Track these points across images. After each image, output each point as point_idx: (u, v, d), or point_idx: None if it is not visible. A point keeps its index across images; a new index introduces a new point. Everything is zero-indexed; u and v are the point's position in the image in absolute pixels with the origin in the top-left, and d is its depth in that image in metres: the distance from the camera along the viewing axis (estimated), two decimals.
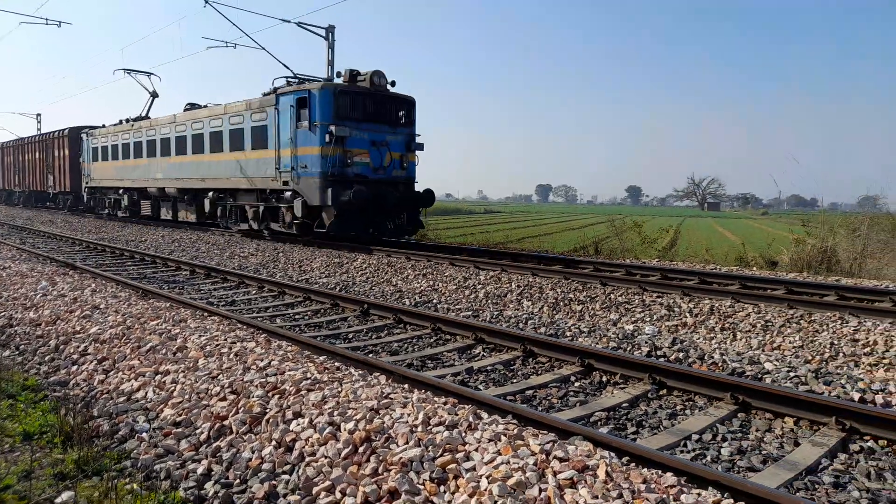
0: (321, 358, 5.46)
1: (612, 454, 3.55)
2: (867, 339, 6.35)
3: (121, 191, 25.61)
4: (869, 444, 4.20)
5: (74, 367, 5.49)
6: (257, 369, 4.87)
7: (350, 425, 3.73)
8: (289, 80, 16.75)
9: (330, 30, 23.34)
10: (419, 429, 3.68)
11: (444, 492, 3.13)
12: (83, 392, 4.96)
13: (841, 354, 6.07)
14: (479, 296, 9.42)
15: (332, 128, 14.66)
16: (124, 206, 25.54)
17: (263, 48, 19.85)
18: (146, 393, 4.72)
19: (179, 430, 4.08)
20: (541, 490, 3.03)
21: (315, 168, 14.93)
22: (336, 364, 5.23)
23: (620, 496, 2.98)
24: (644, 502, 2.92)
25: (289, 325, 7.61)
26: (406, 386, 4.73)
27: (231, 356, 5.28)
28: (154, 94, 25.75)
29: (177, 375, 4.92)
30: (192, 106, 21.35)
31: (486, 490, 3.05)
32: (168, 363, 5.21)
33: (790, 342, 6.51)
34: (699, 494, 3.06)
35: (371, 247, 14.69)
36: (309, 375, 4.67)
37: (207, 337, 5.91)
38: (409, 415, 3.89)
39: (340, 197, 14.59)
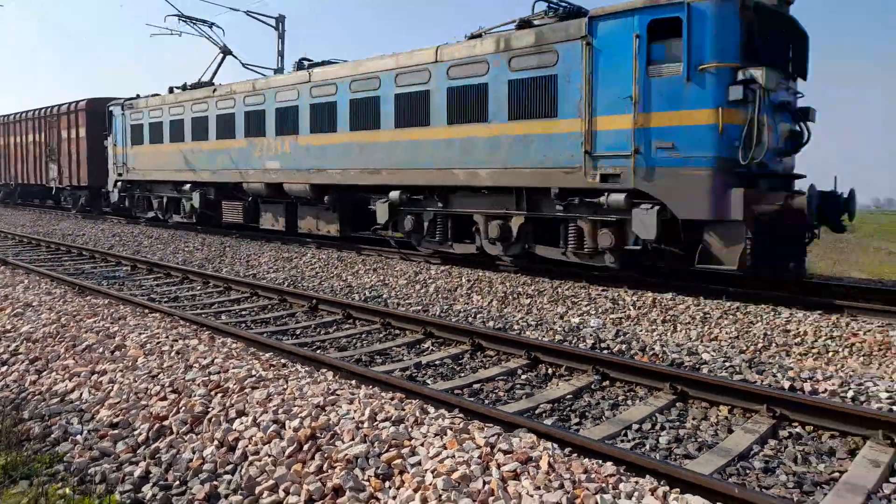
0: (267, 355, 5.38)
1: (555, 445, 3.63)
2: (798, 329, 6.67)
3: (187, 186, 17.33)
4: (797, 429, 4.42)
5: (4, 368, 5.25)
6: (200, 367, 4.76)
7: (295, 423, 3.70)
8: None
9: (280, 20, 22.90)
10: (365, 425, 3.67)
11: (389, 487, 3.14)
12: (13, 394, 4.75)
13: (773, 344, 6.35)
14: (430, 290, 9.44)
15: (755, 73, 7.80)
16: (189, 209, 17.47)
17: (209, 37, 19.32)
18: (81, 394, 4.56)
19: (116, 431, 3.96)
20: (485, 483, 3.08)
21: (702, 150, 8.04)
22: (282, 361, 5.16)
23: (562, 486, 3.05)
24: (584, 492, 3.00)
25: (234, 322, 7.46)
26: (353, 382, 4.71)
27: (173, 354, 5.15)
28: (226, 51, 18.30)
29: (114, 375, 4.76)
30: (304, 63, 14.10)
31: (430, 484, 3.08)
32: (105, 362, 5.04)
33: (727, 333, 6.77)
34: (637, 482, 3.16)
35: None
36: (254, 373, 4.59)
37: (148, 335, 5.74)
38: (355, 411, 3.88)
39: (761, 204, 7.91)
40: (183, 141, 17.04)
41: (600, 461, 3.47)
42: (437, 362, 5.97)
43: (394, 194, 11.68)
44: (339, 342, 6.66)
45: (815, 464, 3.94)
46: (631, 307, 8.01)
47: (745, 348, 6.30)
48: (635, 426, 4.45)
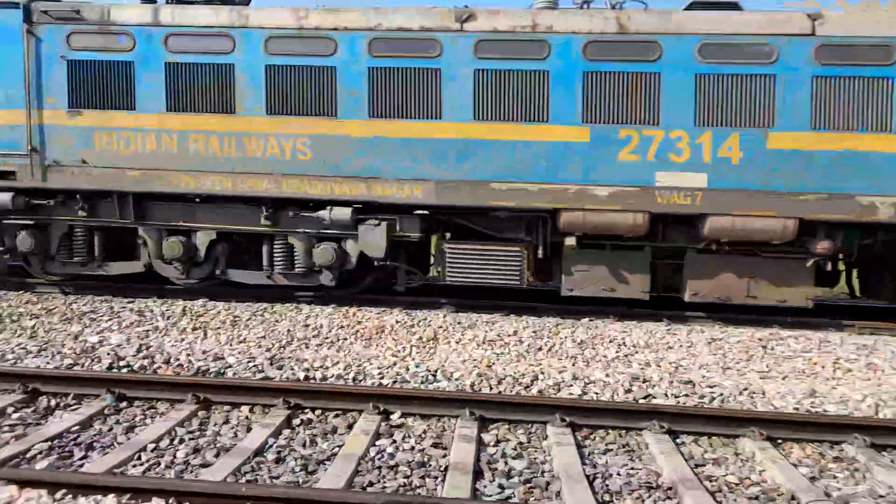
0: None
1: (45, 492, 3.12)
2: (315, 323, 7.42)
3: (333, 212, 8.24)
4: (308, 415, 4.88)
5: None
6: None
7: None
8: None
9: None
10: None
11: None
12: None
13: (295, 339, 6.90)
14: None
15: None
16: (331, 258, 8.34)
17: None
18: None
19: None
20: None
21: None
22: None
23: None
24: None
25: None
26: None
27: None
28: None
29: None
30: None
31: None
32: None
33: (255, 334, 7.04)
34: None
35: None
36: None
37: None
38: None
39: None
40: (334, 116, 8.19)
41: (101, 495, 3.14)
42: None
43: None
44: None
45: (321, 443, 4.41)
46: (160, 318, 7.59)
47: (270, 346, 6.66)
48: (151, 446, 4.19)
